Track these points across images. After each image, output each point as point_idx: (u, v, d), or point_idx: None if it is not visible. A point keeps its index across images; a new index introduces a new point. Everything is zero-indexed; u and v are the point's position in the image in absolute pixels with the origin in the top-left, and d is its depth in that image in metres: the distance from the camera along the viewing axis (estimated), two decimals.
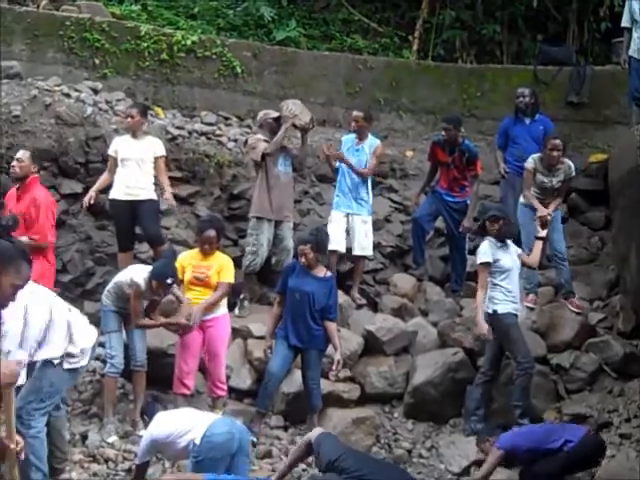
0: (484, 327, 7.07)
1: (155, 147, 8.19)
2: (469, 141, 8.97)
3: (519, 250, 7.43)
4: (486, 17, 12.35)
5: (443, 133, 8.77)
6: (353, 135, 8.79)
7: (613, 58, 10.84)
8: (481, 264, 7.25)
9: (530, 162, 8.20)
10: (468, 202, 8.74)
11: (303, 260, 7.06)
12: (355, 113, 8.78)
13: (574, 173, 8.30)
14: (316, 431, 5.68)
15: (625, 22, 9.13)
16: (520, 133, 9.18)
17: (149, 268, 6.94)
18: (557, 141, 8.10)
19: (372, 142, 8.76)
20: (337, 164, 8.68)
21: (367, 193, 8.69)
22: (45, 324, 4.79)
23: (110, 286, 7.06)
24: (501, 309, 7.06)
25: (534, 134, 9.10)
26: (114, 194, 8.09)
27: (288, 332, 7.03)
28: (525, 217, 8.19)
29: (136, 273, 6.89)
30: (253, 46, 10.89)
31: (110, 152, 8.19)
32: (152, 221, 8.17)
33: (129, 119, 8.20)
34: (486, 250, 7.19)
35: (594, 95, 10.62)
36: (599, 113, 10.69)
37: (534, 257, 7.49)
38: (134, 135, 8.14)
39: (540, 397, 7.38)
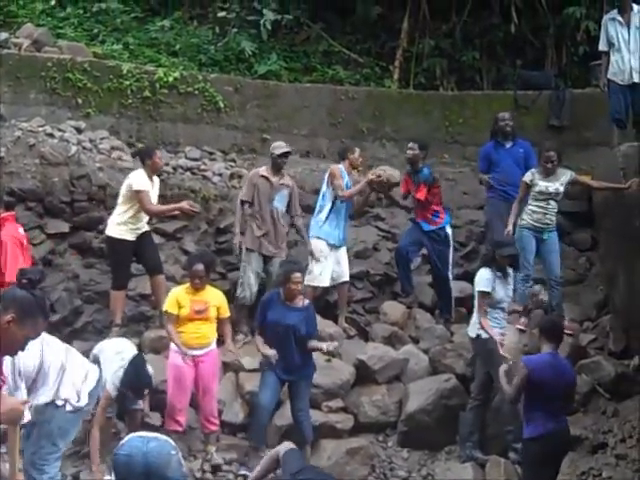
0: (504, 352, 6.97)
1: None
2: (428, 169, 8.97)
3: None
4: (465, 44, 12.50)
5: (408, 152, 8.87)
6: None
7: (592, 81, 10.97)
8: (480, 292, 7.23)
9: (528, 175, 8.30)
10: (447, 228, 8.77)
11: (298, 288, 7.07)
12: (357, 149, 8.99)
13: (571, 175, 8.38)
14: (285, 445, 5.77)
15: (602, 46, 9.24)
16: (502, 158, 9.27)
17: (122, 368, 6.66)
18: (550, 153, 8.23)
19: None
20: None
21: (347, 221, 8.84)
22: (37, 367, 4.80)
23: (95, 352, 6.94)
24: (485, 334, 7.05)
25: (516, 158, 9.21)
26: (123, 235, 8.03)
27: (276, 365, 6.99)
28: (524, 240, 8.18)
29: (110, 376, 6.55)
30: (235, 80, 10.96)
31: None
32: (155, 250, 8.33)
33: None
34: (488, 279, 7.18)
35: (574, 118, 10.73)
36: (580, 135, 10.78)
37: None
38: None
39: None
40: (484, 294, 7.18)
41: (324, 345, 7.19)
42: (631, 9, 8.92)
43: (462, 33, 12.48)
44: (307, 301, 7.33)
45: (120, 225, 8.00)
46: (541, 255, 8.26)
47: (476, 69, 12.51)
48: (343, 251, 8.68)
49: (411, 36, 12.45)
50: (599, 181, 8.69)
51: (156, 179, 8.28)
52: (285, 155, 8.61)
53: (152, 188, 8.10)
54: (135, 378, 6.56)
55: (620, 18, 8.94)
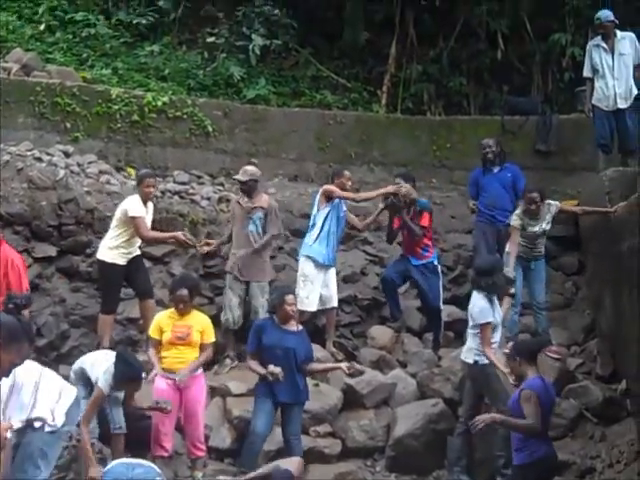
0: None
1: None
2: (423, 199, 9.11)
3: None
4: (452, 70, 12.60)
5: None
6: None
7: (577, 107, 11.06)
8: (486, 324, 7.10)
9: (515, 219, 8.32)
10: (435, 262, 8.81)
11: (294, 310, 7.09)
12: (347, 173, 8.96)
13: (556, 208, 8.41)
14: (280, 465, 5.86)
15: (586, 72, 9.34)
16: (489, 182, 9.36)
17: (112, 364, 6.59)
18: (533, 194, 8.28)
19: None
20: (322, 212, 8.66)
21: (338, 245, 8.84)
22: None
23: (76, 368, 6.93)
24: (482, 359, 7.05)
25: (503, 182, 9.29)
26: (115, 259, 8.03)
27: (272, 389, 6.95)
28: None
29: (101, 374, 6.55)
30: (224, 105, 11.00)
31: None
32: (146, 274, 8.35)
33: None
34: (488, 309, 7.13)
35: (561, 143, 10.82)
36: (567, 160, 10.87)
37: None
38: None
39: None
40: (489, 325, 7.10)
41: (344, 365, 7.17)
42: (615, 35, 9.02)
43: (449, 59, 12.60)
44: (300, 326, 7.32)
45: (112, 249, 8.01)
46: (527, 281, 8.29)
47: (463, 94, 12.61)
48: (332, 273, 8.68)
49: (399, 61, 12.56)
50: (583, 207, 8.75)
51: (150, 204, 8.29)
52: (241, 182, 8.63)
53: (146, 213, 8.11)
54: (126, 367, 6.51)
55: (604, 45, 9.04)
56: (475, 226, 9.56)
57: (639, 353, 6.87)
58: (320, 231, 8.59)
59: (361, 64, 12.90)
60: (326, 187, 8.78)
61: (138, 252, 8.27)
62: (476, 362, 7.07)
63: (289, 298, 7.09)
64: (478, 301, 7.21)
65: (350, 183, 8.95)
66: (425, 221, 8.77)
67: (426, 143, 11.21)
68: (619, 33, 9.05)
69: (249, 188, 8.60)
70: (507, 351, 8.00)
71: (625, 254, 7.14)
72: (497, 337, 7.23)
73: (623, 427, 7.30)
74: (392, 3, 12.59)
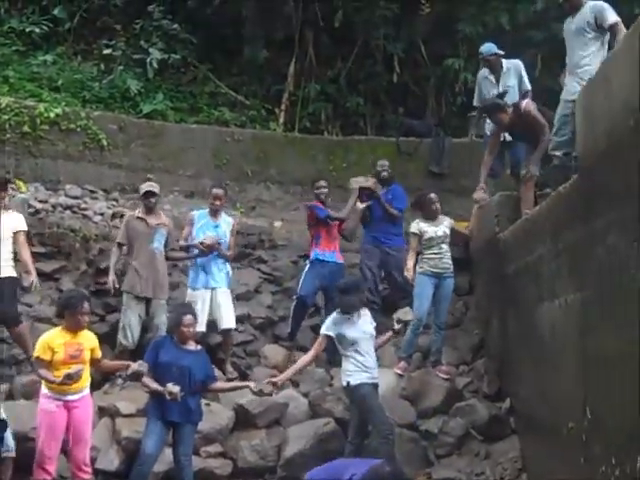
0: None
1: (14, 222, 7.92)
2: None
3: (374, 323, 7.42)
4: (350, 90, 12.79)
5: (319, 190, 9.15)
6: (205, 211, 8.78)
7: (469, 131, 11.37)
8: (321, 334, 7.30)
9: (413, 225, 8.43)
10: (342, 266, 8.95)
11: (191, 331, 6.98)
12: (218, 191, 8.73)
13: (452, 222, 8.64)
14: None
15: (475, 102, 9.61)
16: (375, 205, 9.44)
17: None
18: (432, 195, 8.53)
19: (228, 220, 8.87)
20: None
21: (225, 264, 8.69)
22: None
23: None
24: (354, 380, 7.06)
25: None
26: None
27: (163, 409, 6.83)
28: (422, 286, 8.24)
29: None
30: (119, 119, 10.84)
31: None
32: (10, 301, 7.83)
33: None
34: (329, 324, 7.25)
35: (453, 166, 11.06)
36: (458, 183, 11.13)
37: (377, 344, 7.43)
38: None
39: (411, 463, 7.39)
40: (322, 336, 7.25)
41: (252, 384, 7.12)
42: (501, 68, 9.27)
43: (347, 79, 12.79)
44: (199, 346, 7.23)
45: None
46: (436, 299, 8.37)
47: (360, 115, 12.81)
48: (222, 294, 8.56)
49: (297, 80, 12.67)
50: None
51: (8, 213, 7.95)
52: (149, 195, 8.48)
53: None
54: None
55: (491, 77, 9.30)
56: (360, 249, 9.64)
57: (523, 372, 7.06)
58: (195, 259, 8.58)
59: (260, 82, 12.95)
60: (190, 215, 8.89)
61: (9, 273, 7.79)
62: (348, 384, 7.10)
63: (186, 319, 7.00)
64: (329, 317, 7.36)
65: (219, 202, 8.66)
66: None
67: (323, 162, 11.31)
68: (505, 64, 9.28)
69: (155, 203, 8.48)
70: (398, 371, 8.18)
71: (511, 276, 7.35)
72: (365, 354, 7.20)
73: (507, 444, 7.45)
74: (291, 23, 12.72)
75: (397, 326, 7.51)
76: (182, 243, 8.65)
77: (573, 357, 5.29)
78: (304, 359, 7.43)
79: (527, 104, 7.88)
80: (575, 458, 5.12)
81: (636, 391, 4.06)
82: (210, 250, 8.42)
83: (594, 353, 4.82)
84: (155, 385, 6.86)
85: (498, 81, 9.23)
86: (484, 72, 9.45)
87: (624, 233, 4.24)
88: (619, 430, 4.34)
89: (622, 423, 4.28)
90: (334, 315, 7.30)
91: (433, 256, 8.33)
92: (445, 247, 8.41)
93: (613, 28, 6.84)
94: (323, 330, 7.30)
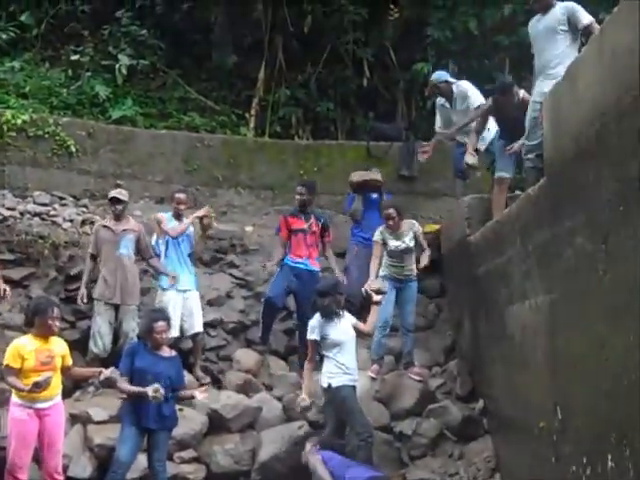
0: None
1: None
2: (318, 210, 9.25)
3: (354, 319, 7.54)
4: (320, 95, 12.81)
5: (297, 196, 8.98)
6: (170, 214, 8.76)
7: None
8: (309, 340, 7.35)
9: (377, 234, 8.44)
10: (319, 274, 8.90)
11: (163, 337, 6.96)
12: (181, 195, 8.78)
13: (420, 228, 8.58)
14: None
15: (437, 126, 9.75)
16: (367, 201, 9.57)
17: None
18: (389, 210, 8.36)
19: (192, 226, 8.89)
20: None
21: (193, 267, 8.73)
22: None
23: None
24: (335, 382, 7.10)
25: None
26: None
27: (138, 415, 6.80)
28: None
29: None
30: (88, 125, 10.78)
31: None
32: None
33: None
34: (314, 327, 7.29)
35: (423, 169, 11.12)
36: (429, 186, 11.21)
37: (370, 323, 7.59)
38: None
39: (385, 465, 7.44)
40: (312, 342, 7.30)
41: (196, 392, 7.11)
42: (452, 93, 9.36)
43: (317, 84, 12.81)
44: (174, 352, 7.21)
45: None
46: (399, 303, 8.42)
47: (331, 119, 12.84)
48: (192, 298, 8.57)
49: (267, 85, 12.66)
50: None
51: None
52: (115, 201, 8.47)
53: None
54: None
55: (447, 104, 9.44)
56: (348, 249, 9.68)
57: (495, 373, 7.12)
58: (165, 259, 8.59)
59: (229, 87, 12.94)
60: (157, 215, 8.80)
61: None
62: (330, 385, 7.12)
63: (157, 326, 6.96)
64: (311, 320, 7.37)
65: (183, 206, 8.75)
66: (317, 228, 8.96)
67: (293, 167, 11.32)
68: (455, 88, 9.39)
69: (122, 210, 8.47)
70: (372, 374, 8.21)
71: (481, 278, 7.41)
72: (347, 356, 7.24)
73: (480, 445, 7.52)
74: (261, 28, 12.72)
75: (377, 298, 7.53)
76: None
77: (543, 358, 5.36)
78: (309, 370, 7.41)
79: (524, 94, 7.91)
80: (547, 458, 5.18)
81: (603, 390, 4.11)
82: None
83: (563, 353, 4.88)
84: (134, 387, 6.83)
85: (452, 106, 9.36)
86: (439, 99, 9.60)
87: (591, 235, 4.30)
88: (589, 430, 4.40)
89: (592, 423, 4.34)
90: (316, 318, 7.31)
91: (396, 264, 8.39)
92: (407, 258, 8.41)
93: (588, 28, 6.88)
94: (309, 336, 7.31)
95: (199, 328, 8.58)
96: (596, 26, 6.73)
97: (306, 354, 7.75)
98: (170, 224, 8.66)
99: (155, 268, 8.68)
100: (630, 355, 3.77)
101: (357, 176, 9.88)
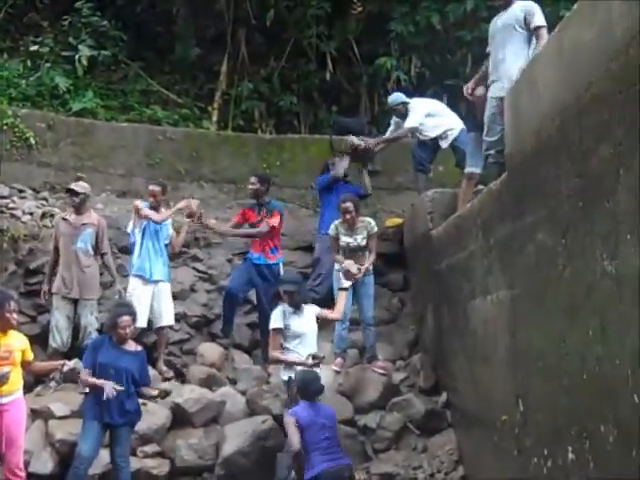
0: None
1: None
2: (276, 202, 9.19)
3: (318, 309, 7.54)
4: (283, 89, 12.80)
5: (249, 186, 8.97)
6: (147, 204, 8.66)
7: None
8: (272, 329, 7.36)
9: (332, 228, 8.45)
10: (280, 266, 8.87)
11: (127, 332, 6.90)
12: (152, 187, 8.68)
13: (376, 228, 8.56)
14: None
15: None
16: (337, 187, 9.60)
17: None
18: (347, 204, 8.37)
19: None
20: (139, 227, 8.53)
21: (167, 259, 8.66)
22: None
23: None
24: (294, 375, 7.12)
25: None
26: None
27: (100, 411, 6.75)
28: (339, 283, 8.17)
29: None
30: (48, 117, 10.65)
31: None
32: None
33: None
34: (277, 316, 7.31)
35: (386, 163, 11.16)
36: (392, 180, 11.25)
37: (337, 310, 7.62)
38: None
39: (349, 458, 7.44)
40: (275, 331, 7.32)
41: (154, 392, 7.09)
42: (407, 112, 9.45)
43: (280, 78, 12.80)
44: (139, 347, 7.16)
45: None
46: (356, 298, 8.45)
47: (294, 113, 12.83)
48: (163, 290, 8.50)
49: (230, 78, 12.62)
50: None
51: None
52: (72, 194, 8.37)
53: None
54: None
55: (402, 123, 9.57)
56: (318, 239, 9.61)
57: (458, 367, 7.18)
58: (140, 247, 8.47)
59: (192, 80, 12.87)
60: (135, 203, 8.70)
61: None
62: (290, 378, 7.13)
63: (122, 320, 6.91)
64: (274, 310, 7.39)
65: (152, 198, 8.62)
66: (275, 221, 8.82)
67: (256, 161, 11.28)
68: (410, 109, 9.49)
69: (81, 202, 8.36)
70: (335, 368, 8.23)
71: (444, 272, 7.46)
72: (309, 348, 7.27)
73: (444, 438, 7.58)
74: (223, 21, 12.66)
75: (346, 283, 7.53)
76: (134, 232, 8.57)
77: (505, 352, 5.41)
78: (277, 355, 7.33)
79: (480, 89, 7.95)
80: (509, 450, 5.24)
81: (564, 384, 4.17)
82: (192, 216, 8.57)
83: (524, 348, 4.94)
84: (94, 379, 6.77)
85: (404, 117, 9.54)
86: (394, 119, 9.76)
87: (552, 230, 4.35)
88: (549, 422, 4.46)
89: (552, 416, 4.40)
90: (280, 308, 7.32)
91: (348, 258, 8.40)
92: (358, 256, 8.36)
93: (537, 31, 6.95)
94: (272, 324, 7.32)
95: (168, 321, 8.53)
96: (543, 33, 6.83)
97: (267, 348, 7.78)
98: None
99: (107, 266, 8.56)
100: (589, 350, 3.83)
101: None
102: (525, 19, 7.10)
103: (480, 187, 7.48)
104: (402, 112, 9.53)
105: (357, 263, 8.12)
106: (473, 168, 7.99)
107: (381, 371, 8.24)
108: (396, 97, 9.71)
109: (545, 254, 4.47)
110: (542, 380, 4.58)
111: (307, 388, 6.49)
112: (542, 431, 4.60)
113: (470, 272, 6.40)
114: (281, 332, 7.29)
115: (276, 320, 7.32)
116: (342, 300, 7.63)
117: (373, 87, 12.84)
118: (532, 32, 7.05)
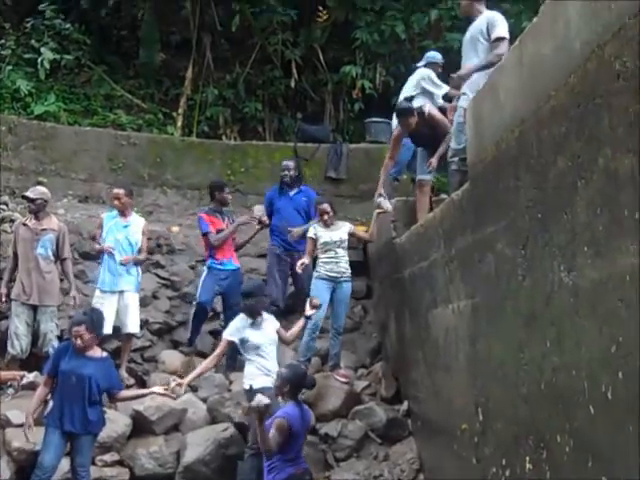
0: None
1: None
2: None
3: (278, 325, 7.53)
4: (248, 95, 12.79)
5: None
6: (115, 212, 8.62)
7: (367, 137, 11.51)
8: (224, 339, 7.32)
9: (311, 230, 8.43)
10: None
11: (79, 342, 6.77)
12: (116, 190, 8.62)
13: (353, 227, 8.60)
14: None
15: None
16: (284, 205, 9.34)
17: None
18: (324, 206, 8.39)
19: (138, 221, 8.70)
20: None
21: (136, 268, 8.57)
22: None
23: None
24: (256, 384, 7.07)
25: (298, 206, 9.34)
26: None
27: (61, 419, 6.65)
28: (318, 291, 8.19)
29: None
30: (9, 120, 10.54)
31: None
32: None
33: None
34: (232, 330, 7.28)
35: (351, 171, 11.18)
36: (356, 188, 11.27)
37: (292, 335, 7.55)
38: None
39: (310, 467, 7.32)
40: (226, 341, 7.29)
41: (156, 388, 7.03)
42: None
43: (245, 84, 12.78)
44: (105, 353, 7.05)
45: None
46: (332, 304, 8.41)
47: (259, 120, 12.83)
48: (130, 298, 8.42)
49: (195, 84, 12.59)
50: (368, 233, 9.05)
51: None
52: (27, 200, 8.29)
53: None
54: None
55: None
56: (268, 250, 9.61)
57: (419, 375, 7.20)
58: (107, 261, 8.40)
59: (157, 85, 12.81)
60: (100, 217, 8.74)
61: None
62: (251, 387, 7.09)
63: (73, 330, 6.79)
64: (235, 320, 7.37)
65: (117, 201, 8.50)
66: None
67: (220, 167, 11.26)
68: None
69: (38, 208, 8.26)
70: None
71: (406, 281, 7.48)
72: (268, 359, 7.25)
73: (405, 446, 7.59)
74: (189, 26, 12.62)
75: (310, 312, 7.54)
76: (96, 246, 8.53)
77: (465, 361, 5.43)
78: (207, 363, 7.37)
79: (430, 108, 8.01)
80: (468, 459, 5.26)
81: (522, 394, 4.20)
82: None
83: (484, 357, 4.96)
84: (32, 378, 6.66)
85: None
86: (395, 119, 9.73)
87: (512, 240, 4.38)
88: (508, 432, 4.48)
89: (511, 425, 4.43)
90: (238, 319, 7.29)
91: (328, 260, 8.36)
92: (341, 252, 8.40)
93: (496, 42, 6.96)
94: (226, 335, 7.30)
95: (133, 329, 8.46)
96: (501, 44, 6.79)
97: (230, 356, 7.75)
98: (113, 220, 8.49)
99: (65, 272, 8.46)
100: (547, 360, 3.86)
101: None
102: (488, 29, 7.14)
103: (443, 196, 7.52)
104: (438, 71, 9.45)
105: (342, 259, 8.30)
106: (423, 175, 8.06)
107: (343, 379, 8.22)
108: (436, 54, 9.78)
109: (505, 264, 4.50)
110: (501, 389, 4.61)
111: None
112: (501, 440, 4.62)
113: (432, 281, 6.42)
114: (232, 344, 7.27)
115: (231, 332, 7.29)
116: (299, 326, 7.62)
117: (338, 95, 12.88)
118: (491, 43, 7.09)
